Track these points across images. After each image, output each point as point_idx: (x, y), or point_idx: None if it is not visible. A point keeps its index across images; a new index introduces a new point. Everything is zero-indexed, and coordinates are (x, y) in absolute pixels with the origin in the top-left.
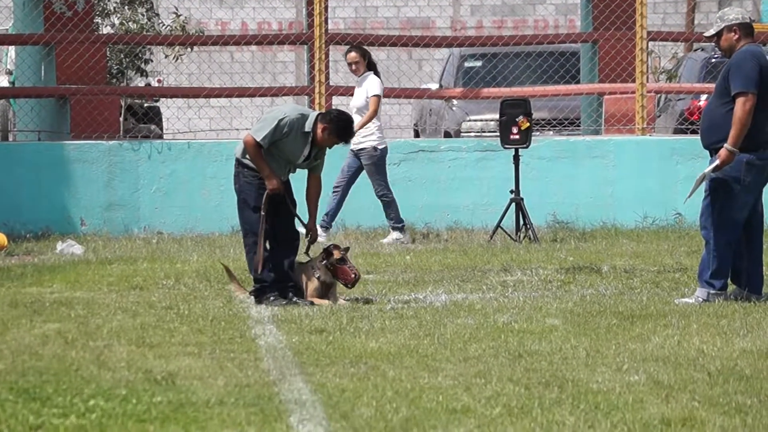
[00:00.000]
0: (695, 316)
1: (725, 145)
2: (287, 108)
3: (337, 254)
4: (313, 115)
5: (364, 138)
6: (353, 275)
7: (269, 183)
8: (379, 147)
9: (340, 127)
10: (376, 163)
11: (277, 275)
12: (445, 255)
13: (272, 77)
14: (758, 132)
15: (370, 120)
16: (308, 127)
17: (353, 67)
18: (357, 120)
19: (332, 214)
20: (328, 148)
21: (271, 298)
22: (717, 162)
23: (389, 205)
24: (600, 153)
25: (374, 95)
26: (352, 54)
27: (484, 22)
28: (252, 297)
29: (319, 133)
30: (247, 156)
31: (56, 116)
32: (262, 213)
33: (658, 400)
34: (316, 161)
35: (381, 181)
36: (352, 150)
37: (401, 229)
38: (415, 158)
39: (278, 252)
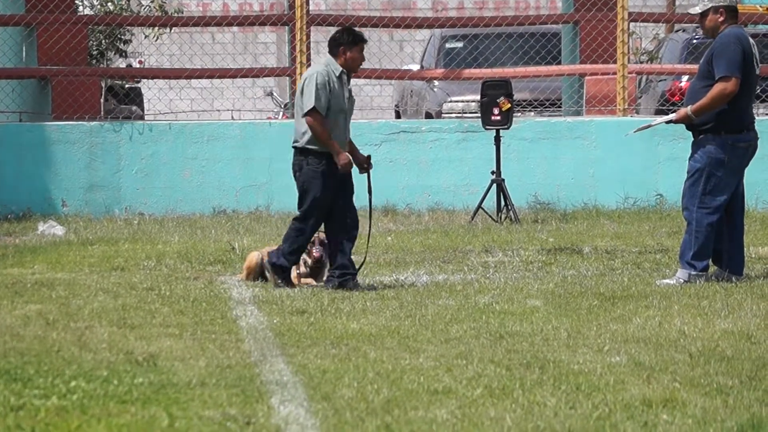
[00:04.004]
0: (676, 297)
1: (689, 108)
2: (308, 72)
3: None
4: (327, 60)
5: None
6: (314, 256)
7: (339, 158)
8: None
9: (349, 35)
10: None
11: (341, 263)
12: (426, 236)
13: (253, 58)
14: (742, 114)
15: None
16: (335, 68)
17: None
18: None
19: None
20: (359, 68)
21: (280, 282)
22: (672, 117)
23: None
24: (581, 134)
25: None
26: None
27: (466, 2)
28: (278, 281)
29: (347, 60)
30: (310, 142)
31: (37, 97)
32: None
33: (640, 381)
34: (353, 99)
35: None
36: None
37: None
38: (396, 139)
39: (340, 240)
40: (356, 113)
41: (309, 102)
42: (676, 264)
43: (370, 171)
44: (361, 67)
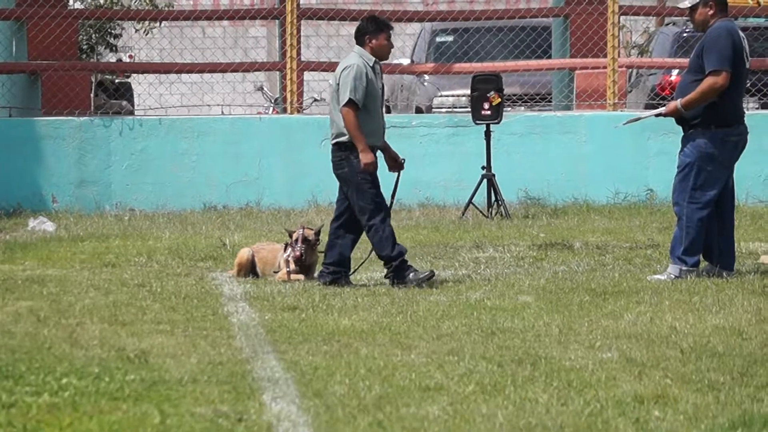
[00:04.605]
0: (667, 293)
1: (679, 101)
2: (342, 64)
3: (295, 235)
4: (358, 50)
5: None
6: (295, 255)
7: (366, 157)
8: None
9: (372, 23)
10: None
11: (338, 260)
12: (416, 231)
13: (244, 52)
14: (733, 108)
15: None
16: (368, 58)
17: None
18: None
19: None
20: (388, 55)
21: (411, 274)
22: (662, 110)
23: None
24: (571, 129)
25: None
26: None
27: None
28: (389, 279)
29: (373, 48)
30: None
31: (27, 92)
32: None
33: (631, 378)
34: (384, 88)
35: None
36: None
37: None
38: (387, 134)
39: (348, 236)
40: None
41: (345, 94)
42: (667, 259)
43: (401, 172)
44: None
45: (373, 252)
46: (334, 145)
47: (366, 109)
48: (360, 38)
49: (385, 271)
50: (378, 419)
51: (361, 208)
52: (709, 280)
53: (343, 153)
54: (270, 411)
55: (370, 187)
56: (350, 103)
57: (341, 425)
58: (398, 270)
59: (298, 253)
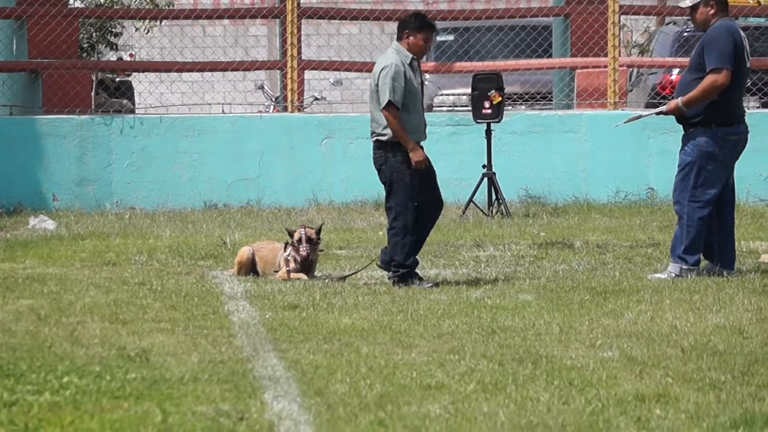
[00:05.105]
0: (668, 292)
1: (679, 99)
2: (380, 63)
3: (296, 234)
4: (395, 47)
5: None
6: (301, 255)
7: (416, 155)
8: None
9: (416, 19)
10: None
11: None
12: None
13: (244, 51)
14: (733, 107)
15: None
16: (405, 55)
17: None
18: None
19: None
20: (427, 51)
21: (416, 283)
22: (663, 108)
23: None
24: (572, 127)
25: None
26: None
27: None
28: (392, 281)
29: (410, 45)
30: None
31: (28, 91)
32: (416, 203)
33: (632, 377)
34: (424, 83)
35: None
36: None
37: None
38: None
39: (423, 225)
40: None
41: (385, 96)
42: (668, 258)
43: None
44: (349, 59)
45: (374, 260)
46: (374, 142)
47: (406, 107)
48: (400, 31)
49: (392, 272)
50: (379, 418)
51: (390, 208)
52: (710, 278)
53: (382, 150)
54: (271, 410)
55: (404, 189)
56: (390, 104)
57: (342, 424)
58: (404, 277)
59: (305, 253)
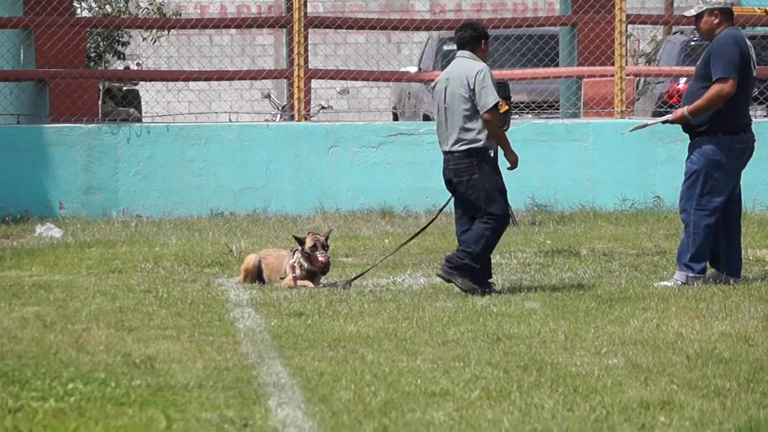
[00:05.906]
0: (674, 300)
1: (686, 108)
2: (470, 69)
3: (309, 242)
4: (469, 55)
5: None
6: (321, 261)
7: (512, 156)
8: None
9: (480, 27)
10: None
11: None
12: (423, 238)
13: (251, 60)
14: (739, 116)
15: None
16: (484, 63)
17: None
18: None
19: None
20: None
21: (469, 279)
22: (669, 117)
23: None
24: (579, 136)
25: None
26: None
27: (463, 4)
28: (447, 265)
29: (485, 50)
30: (486, 142)
31: (35, 99)
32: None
33: (637, 384)
34: None
35: None
36: None
37: None
38: (394, 141)
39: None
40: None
41: (489, 98)
42: (674, 266)
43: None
44: (356, 68)
45: (373, 264)
46: (463, 152)
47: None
48: (474, 42)
49: (454, 255)
50: (384, 425)
51: (492, 213)
52: (716, 286)
53: (474, 159)
54: (276, 416)
55: (502, 195)
56: (495, 108)
57: (347, 431)
58: (465, 269)
59: (324, 259)
